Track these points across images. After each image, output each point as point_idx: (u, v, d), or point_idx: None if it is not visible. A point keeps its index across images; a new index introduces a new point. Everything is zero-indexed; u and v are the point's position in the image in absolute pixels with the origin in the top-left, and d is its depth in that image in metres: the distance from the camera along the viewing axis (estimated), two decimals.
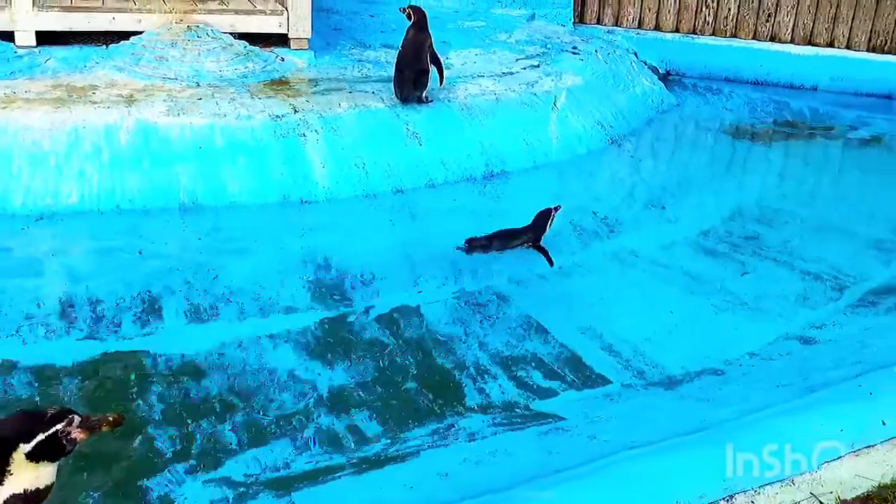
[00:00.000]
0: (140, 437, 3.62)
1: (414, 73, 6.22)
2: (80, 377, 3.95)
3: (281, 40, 6.98)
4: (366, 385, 4.09)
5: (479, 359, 4.35)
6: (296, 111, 5.93)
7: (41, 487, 2.59)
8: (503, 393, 4.11)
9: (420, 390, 4.08)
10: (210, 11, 6.89)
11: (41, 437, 2.55)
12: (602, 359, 4.40)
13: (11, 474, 2.53)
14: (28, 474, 2.55)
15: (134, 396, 3.85)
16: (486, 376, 4.22)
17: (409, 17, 6.32)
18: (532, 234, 5.29)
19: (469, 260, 5.20)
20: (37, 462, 2.56)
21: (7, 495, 2.54)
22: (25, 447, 2.53)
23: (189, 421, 3.74)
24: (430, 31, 6.29)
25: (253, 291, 4.72)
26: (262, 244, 5.26)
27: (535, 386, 4.18)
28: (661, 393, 4.16)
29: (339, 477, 3.50)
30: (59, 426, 2.57)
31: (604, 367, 4.33)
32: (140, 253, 4.99)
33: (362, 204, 5.74)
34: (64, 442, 2.59)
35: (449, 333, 4.54)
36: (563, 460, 3.43)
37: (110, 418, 2.71)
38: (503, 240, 5.25)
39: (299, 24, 6.86)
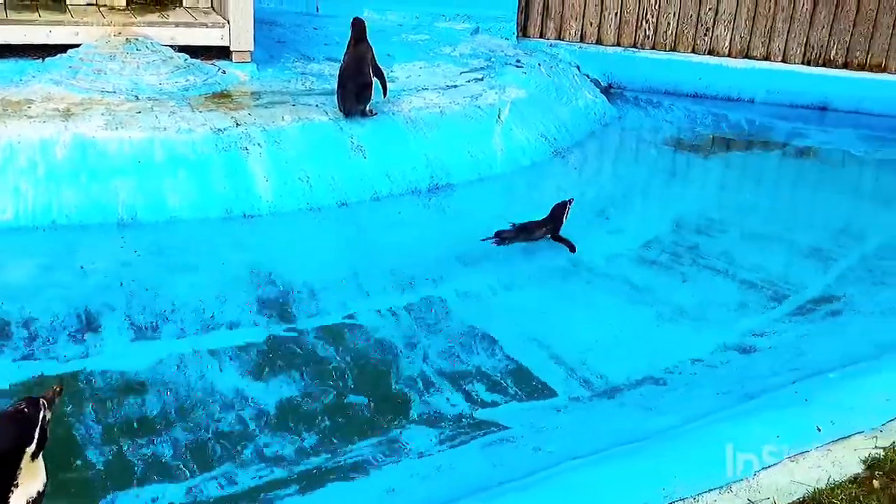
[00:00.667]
0: (79, 458, 3.54)
1: (356, 86, 6.20)
2: (16, 399, 3.83)
3: (223, 53, 6.92)
4: (310, 400, 4.05)
5: (424, 371, 4.34)
6: (238, 124, 5.88)
7: (45, 482, 2.55)
8: (449, 405, 4.11)
9: (365, 405, 4.06)
10: (150, 24, 6.80)
11: (37, 431, 2.49)
12: (547, 369, 4.42)
13: (21, 483, 2.47)
14: (33, 474, 2.50)
15: (72, 417, 3.76)
16: (431, 389, 4.21)
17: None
18: (551, 226, 5.59)
19: (415, 272, 5.20)
20: (34, 459, 2.52)
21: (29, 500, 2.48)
22: (30, 448, 2.47)
23: (129, 441, 3.66)
24: (370, 43, 6.27)
25: (194, 308, 4.65)
26: (204, 259, 5.19)
27: (480, 398, 4.18)
28: (605, 402, 4.20)
29: (284, 494, 3.46)
30: (43, 414, 2.53)
31: (549, 378, 4.35)
32: (82, 267, 4.88)
33: (307, 217, 5.70)
34: (47, 429, 2.55)
35: (394, 346, 4.52)
36: (507, 472, 3.44)
37: (56, 388, 2.68)
38: (526, 232, 5.53)
39: (241, 36, 6.81)
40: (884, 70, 8.38)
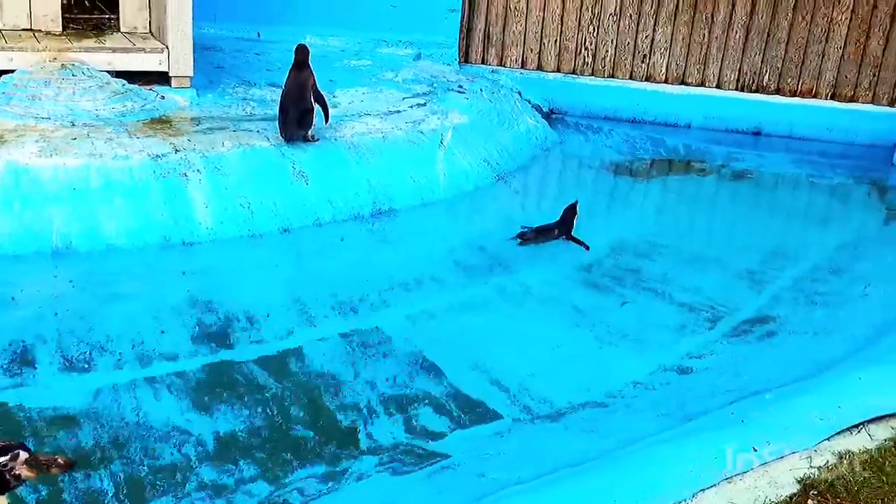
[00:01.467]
0: (9, 496, 3.42)
1: (298, 112, 6.18)
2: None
3: (162, 78, 6.84)
4: (251, 431, 3.99)
5: (368, 399, 4.31)
6: (177, 150, 5.80)
7: None
8: (393, 433, 4.08)
9: (308, 434, 4.01)
10: (86, 49, 6.70)
11: None
12: (491, 394, 4.43)
13: None
14: None
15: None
16: (375, 417, 4.18)
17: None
18: (563, 228, 6.16)
19: (358, 298, 5.18)
20: None
21: None
22: None
23: (63, 475, 3.55)
24: (312, 69, 6.26)
25: (131, 338, 4.55)
26: (142, 288, 5.09)
27: (424, 425, 4.16)
28: (548, 426, 4.22)
29: None
30: (2, 459, 2.43)
31: (492, 403, 4.36)
32: (13, 298, 4.75)
33: (247, 244, 5.64)
34: (8, 477, 2.44)
35: (337, 374, 4.48)
36: (451, 500, 3.43)
37: (60, 460, 2.60)
38: (544, 234, 6.12)
39: (180, 61, 6.74)
40: (814, 96, 8.65)
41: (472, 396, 4.39)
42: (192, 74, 6.83)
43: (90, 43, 6.88)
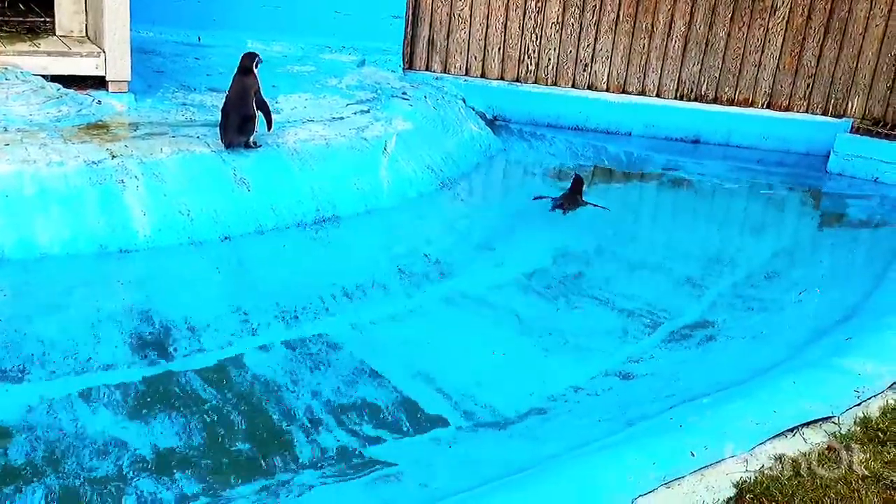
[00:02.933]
0: None
1: (239, 118, 6.11)
2: None
3: (99, 83, 6.70)
4: (190, 443, 3.92)
5: (310, 408, 4.27)
6: (114, 156, 5.68)
7: None
8: (336, 443, 4.05)
9: (248, 446, 3.95)
10: (20, 53, 6.52)
11: None
12: (434, 402, 4.43)
13: None
14: None
15: None
16: (318, 426, 4.14)
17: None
18: (577, 195, 7.04)
19: (301, 306, 5.14)
20: None
21: None
22: None
23: None
24: (258, 76, 6.22)
25: (66, 349, 4.44)
26: (76, 298, 4.97)
27: (367, 434, 4.14)
28: (492, 434, 4.23)
29: None
30: None
31: (436, 411, 4.36)
32: None
33: (187, 252, 5.54)
34: None
35: (279, 383, 4.43)
36: None
37: None
38: (572, 202, 6.98)
39: (118, 65, 6.61)
40: (751, 105, 8.85)
41: (416, 404, 4.38)
42: (129, 79, 6.70)
43: (24, 46, 6.70)
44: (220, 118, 6.19)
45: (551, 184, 7.66)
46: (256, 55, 6.28)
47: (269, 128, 6.31)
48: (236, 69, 6.24)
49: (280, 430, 4.09)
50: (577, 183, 7.11)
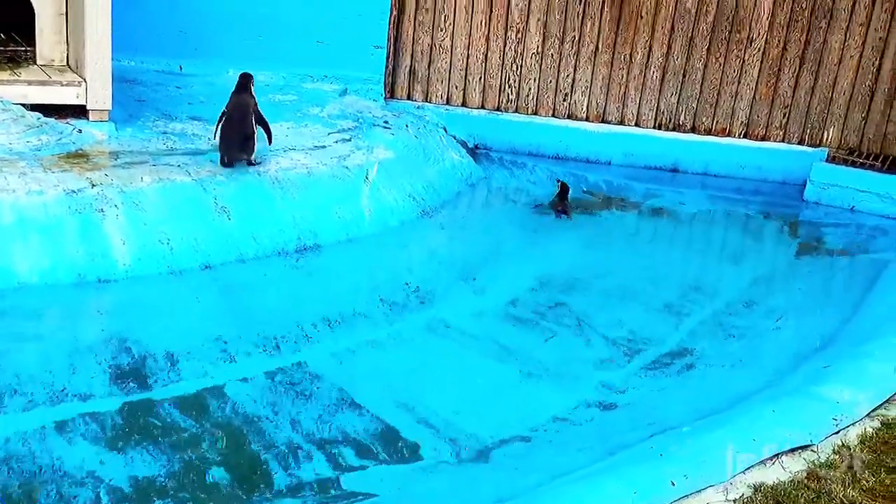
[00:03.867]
0: None
1: (240, 136, 6.25)
2: None
3: (80, 111, 6.69)
4: (170, 475, 3.89)
5: (291, 439, 4.25)
6: (93, 185, 5.66)
7: None
8: (316, 473, 4.03)
9: (228, 477, 3.92)
10: (0, 82, 6.51)
11: None
12: (415, 431, 4.42)
13: None
14: None
15: None
16: (298, 457, 4.12)
17: None
18: (566, 200, 7.75)
19: (282, 335, 5.12)
20: None
21: None
22: None
23: None
24: (254, 94, 6.40)
25: (43, 379, 4.40)
26: (54, 328, 4.93)
27: (348, 463, 4.13)
28: (473, 463, 4.22)
29: None
30: None
31: (417, 440, 4.35)
32: None
33: (167, 281, 5.52)
34: None
35: (260, 413, 4.41)
36: None
37: None
38: (563, 204, 7.68)
39: (99, 94, 6.60)
40: (728, 135, 8.95)
41: (397, 433, 4.37)
42: (110, 108, 6.69)
43: (4, 75, 6.69)
44: (218, 137, 6.29)
45: (532, 212, 7.70)
46: (251, 75, 6.46)
47: (270, 142, 6.49)
48: (233, 89, 6.38)
49: (260, 460, 4.06)
50: (564, 189, 7.75)
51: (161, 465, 3.93)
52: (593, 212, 7.91)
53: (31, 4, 6.92)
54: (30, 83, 6.59)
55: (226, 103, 6.37)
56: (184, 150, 6.61)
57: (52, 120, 6.47)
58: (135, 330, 4.98)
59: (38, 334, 4.85)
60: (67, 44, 7.05)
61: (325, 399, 4.60)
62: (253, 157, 6.33)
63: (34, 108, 6.50)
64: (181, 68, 8.50)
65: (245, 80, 6.42)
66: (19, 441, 3.96)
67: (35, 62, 7.05)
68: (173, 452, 4.02)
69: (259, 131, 6.40)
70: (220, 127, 6.31)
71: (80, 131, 6.52)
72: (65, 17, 6.98)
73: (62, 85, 6.64)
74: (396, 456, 4.21)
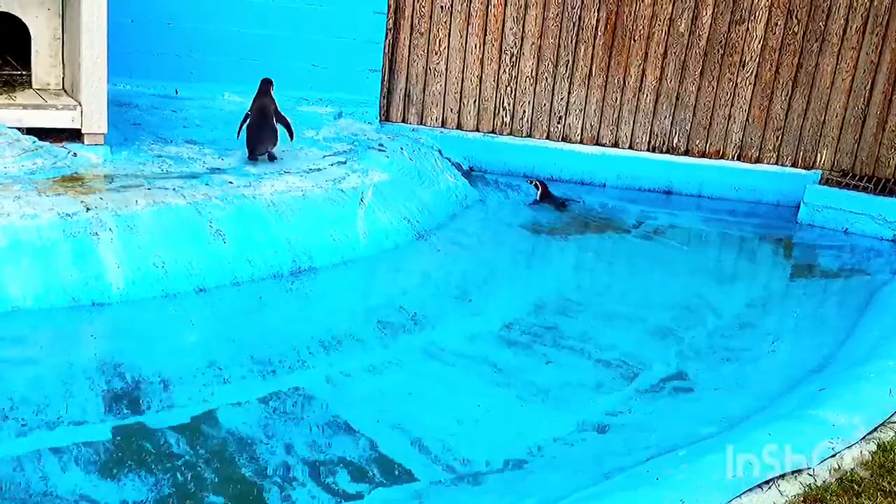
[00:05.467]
0: None
1: (261, 131, 7.01)
2: None
3: (75, 135, 6.70)
4: (163, 500, 3.86)
5: (286, 463, 4.23)
6: (88, 209, 5.67)
7: None
8: (311, 497, 4.01)
9: (222, 502, 3.90)
10: None
11: None
12: (410, 455, 4.39)
13: None
14: None
15: None
16: (292, 482, 4.10)
17: None
18: (551, 196, 8.31)
19: (277, 358, 5.11)
20: None
21: None
22: None
23: None
24: (274, 97, 7.11)
25: (36, 404, 4.38)
26: (48, 352, 4.91)
27: (342, 488, 4.10)
28: (468, 487, 4.20)
29: None
30: None
31: (412, 464, 4.32)
32: None
33: (161, 305, 5.51)
34: None
35: (254, 438, 4.39)
36: None
37: None
38: (549, 198, 8.28)
39: (94, 118, 6.62)
40: (721, 157, 8.99)
41: (393, 458, 4.35)
42: (105, 131, 6.71)
43: (0, 99, 6.70)
44: (245, 135, 7.04)
45: (527, 234, 7.72)
46: (271, 80, 7.17)
47: (291, 137, 7.18)
48: (256, 92, 7.12)
49: (254, 485, 4.04)
50: (544, 186, 8.32)
51: (154, 491, 3.90)
52: (587, 234, 7.93)
53: (26, 28, 6.95)
54: (25, 107, 6.61)
55: (249, 106, 7.11)
56: (178, 174, 6.62)
57: (47, 143, 6.49)
58: (129, 354, 4.96)
59: (32, 358, 4.83)
60: (63, 67, 7.08)
61: (319, 422, 4.58)
62: (274, 150, 7.11)
63: (29, 131, 6.52)
64: (177, 92, 8.53)
65: (265, 85, 7.13)
66: (11, 467, 3.94)
67: (31, 86, 7.07)
68: (167, 477, 4.00)
69: (281, 130, 7.13)
70: (244, 126, 7.04)
71: (75, 155, 6.53)
72: (61, 41, 7.02)
73: (57, 109, 6.66)
74: (391, 479, 4.19)
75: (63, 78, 7.11)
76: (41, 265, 5.30)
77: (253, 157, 7.07)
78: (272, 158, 7.12)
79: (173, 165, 6.82)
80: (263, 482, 4.06)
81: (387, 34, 8.71)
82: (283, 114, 7.12)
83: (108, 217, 5.65)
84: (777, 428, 4.24)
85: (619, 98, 8.89)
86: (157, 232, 5.77)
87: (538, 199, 8.26)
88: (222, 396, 4.71)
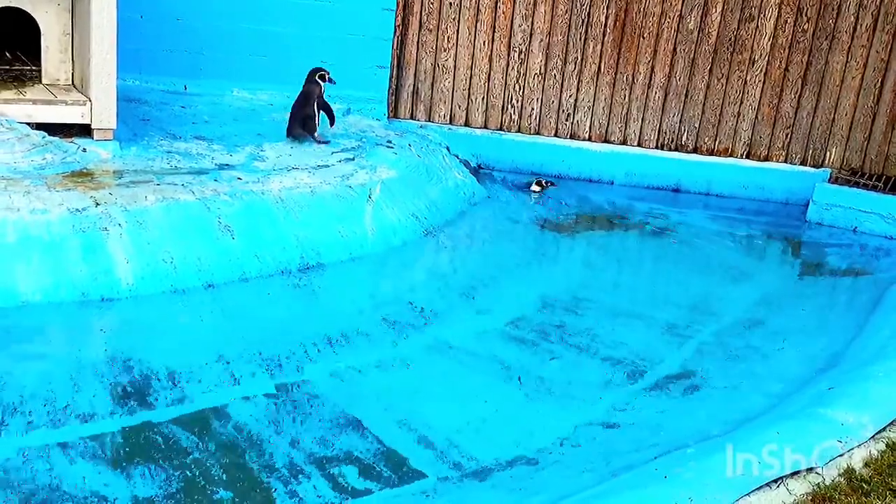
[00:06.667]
0: None
1: (301, 115, 7.57)
2: None
3: (84, 131, 6.72)
4: (171, 494, 3.87)
5: (292, 459, 4.23)
6: (97, 204, 5.68)
7: None
8: (317, 495, 4.01)
9: (229, 497, 3.90)
10: (5, 101, 6.54)
11: None
12: (418, 452, 4.39)
13: None
14: None
15: None
16: (299, 477, 4.10)
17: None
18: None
19: (284, 354, 5.11)
20: None
21: None
22: None
23: None
24: (322, 86, 7.66)
25: (45, 398, 4.38)
26: (57, 346, 4.93)
27: (349, 484, 4.10)
28: (476, 485, 4.20)
29: None
30: None
31: (419, 461, 4.32)
32: None
33: (170, 300, 5.52)
34: None
35: (262, 434, 4.39)
36: None
37: None
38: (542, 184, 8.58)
39: (103, 114, 6.64)
40: (730, 155, 8.98)
41: (399, 454, 4.35)
42: (115, 127, 6.73)
43: (10, 94, 6.73)
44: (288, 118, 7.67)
45: (535, 231, 7.72)
46: (319, 69, 7.70)
47: (332, 124, 7.84)
48: (305, 79, 7.68)
49: (261, 480, 4.04)
50: (538, 181, 8.65)
51: (163, 485, 3.91)
52: (595, 231, 7.92)
53: (36, 24, 6.97)
54: (35, 102, 6.63)
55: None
56: (188, 170, 6.63)
57: (56, 139, 6.50)
58: (138, 349, 4.97)
59: (41, 353, 4.84)
60: (73, 63, 7.10)
61: (327, 419, 4.58)
62: (316, 134, 7.65)
63: (39, 126, 6.53)
64: (186, 88, 8.55)
65: (312, 74, 7.68)
66: (20, 461, 3.95)
67: (40, 81, 7.10)
68: (175, 472, 4.00)
69: (322, 116, 7.73)
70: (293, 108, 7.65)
71: (84, 150, 6.54)
72: (70, 36, 7.04)
73: (67, 104, 6.68)
74: (399, 476, 4.19)
75: (73, 73, 7.13)
76: (50, 260, 5.31)
77: (290, 136, 7.61)
78: (316, 141, 7.60)
79: (182, 161, 6.83)
80: (270, 477, 4.06)
81: (395, 31, 8.72)
82: (327, 102, 7.69)
83: (118, 212, 5.66)
84: (786, 427, 4.22)
85: (627, 95, 8.88)
86: (166, 227, 5.78)
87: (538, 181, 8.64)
88: (231, 392, 4.72)
